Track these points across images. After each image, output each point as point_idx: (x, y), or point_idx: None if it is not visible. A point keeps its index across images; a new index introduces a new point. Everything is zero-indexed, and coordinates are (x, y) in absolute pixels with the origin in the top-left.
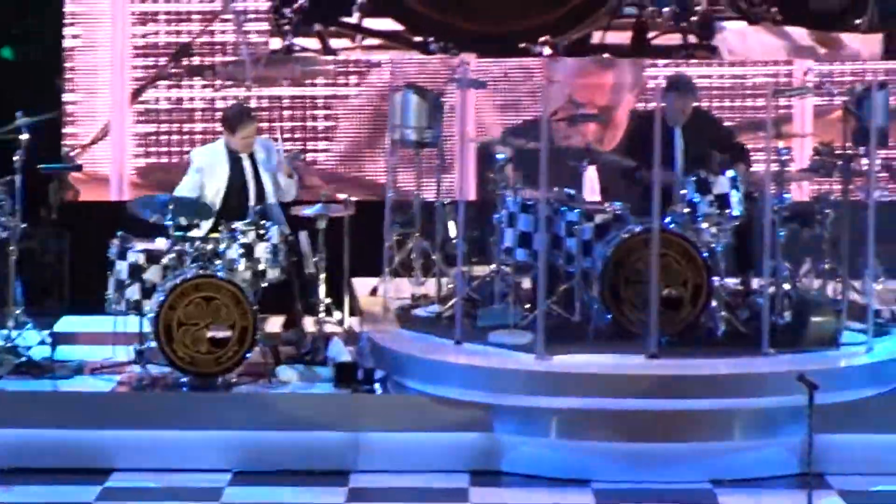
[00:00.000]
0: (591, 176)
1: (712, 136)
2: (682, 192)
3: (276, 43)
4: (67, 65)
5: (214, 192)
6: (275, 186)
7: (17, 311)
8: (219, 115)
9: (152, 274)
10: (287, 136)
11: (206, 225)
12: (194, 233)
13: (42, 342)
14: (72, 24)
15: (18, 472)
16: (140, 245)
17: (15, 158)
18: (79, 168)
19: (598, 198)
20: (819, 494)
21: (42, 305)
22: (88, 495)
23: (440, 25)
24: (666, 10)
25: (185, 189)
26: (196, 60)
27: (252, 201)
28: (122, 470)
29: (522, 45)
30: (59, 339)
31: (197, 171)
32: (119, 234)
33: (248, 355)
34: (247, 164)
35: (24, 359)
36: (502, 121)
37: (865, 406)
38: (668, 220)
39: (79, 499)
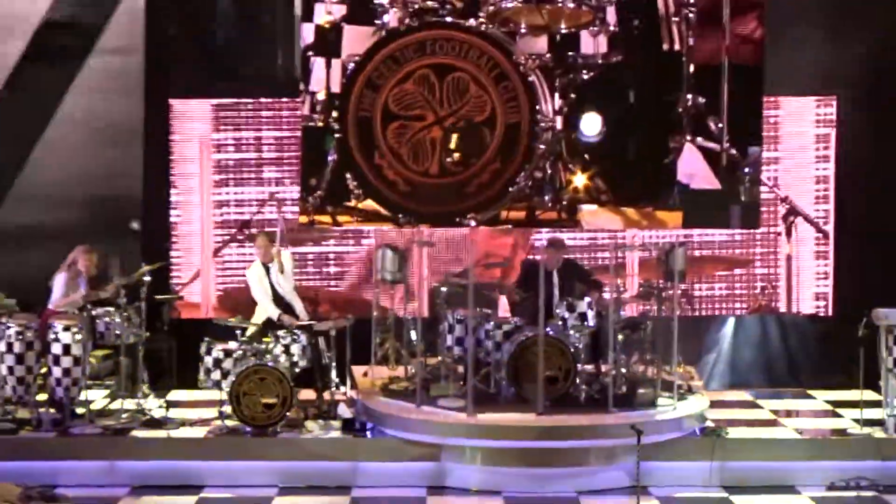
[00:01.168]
0: (501, 301)
1: (576, 275)
2: (558, 311)
3: (303, 218)
4: (173, 233)
5: (263, 293)
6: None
7: (144, 387)
8: None
9: (228, 364)
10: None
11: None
12: (250, 330)
13: (160, 407)
14: (174, 208)
15: (145, 489)
16: (219, 346)
17: (142, 291)
18: (180, 298)
19: (506, 314)
20: (644, 499)
21: (159, 383)
22: (190, 503)
23: (405, 207)
24: (546, 197)
25: (259, 294)
26: (253, 230)
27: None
28: (210, 486)
29: (457, 219)
30: (170, 405)
31: (256, 281)
32: (206, 339)
33: (287, 414)
34: (273, 273)
35: (148, 417)
36: (445, 267)
37: (673, 444)
38: (548, 329)
39: None
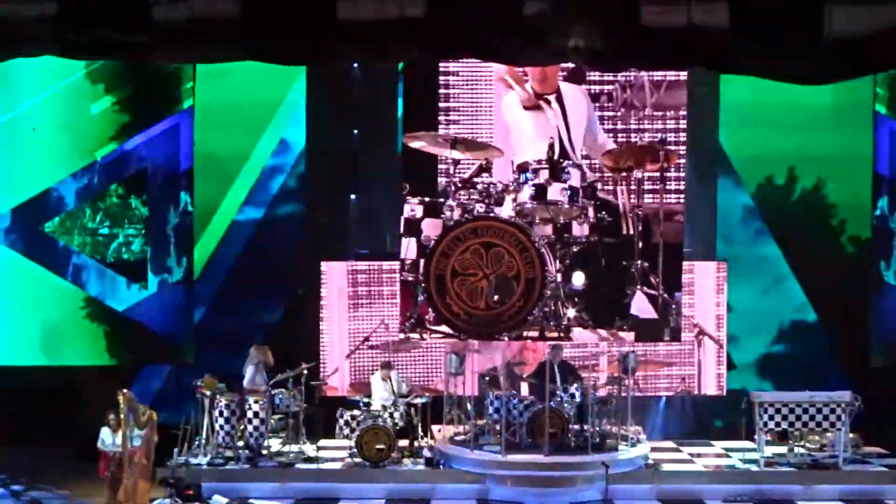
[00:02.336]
0: (524, 385)
1: (568, 370)
2: (558, 391)
3: (402, 336)
4: (322, 347)
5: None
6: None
7: (303, 437)
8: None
9: (354, 424)
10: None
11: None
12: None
13: (314, 449)
14: (320, 319)
15: (304, 500)
16: (349, 413)
17: (302, 379)
18: (326, 383)
19: (527, 394)
20: None
21: (313, 436)
22: None
23: (464, 329)
24: (551, 322)
25: (377, 392)
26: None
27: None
28: (344, 499)
29: (496, 336)
30: (319, 448)
31: (378, 385)
32: (341, 409)
33: (391, 454)
34: (391, 382)
35: (306, 456)
36: (488, 365)
37: (628, 474)
38: (552, 403)
39: None
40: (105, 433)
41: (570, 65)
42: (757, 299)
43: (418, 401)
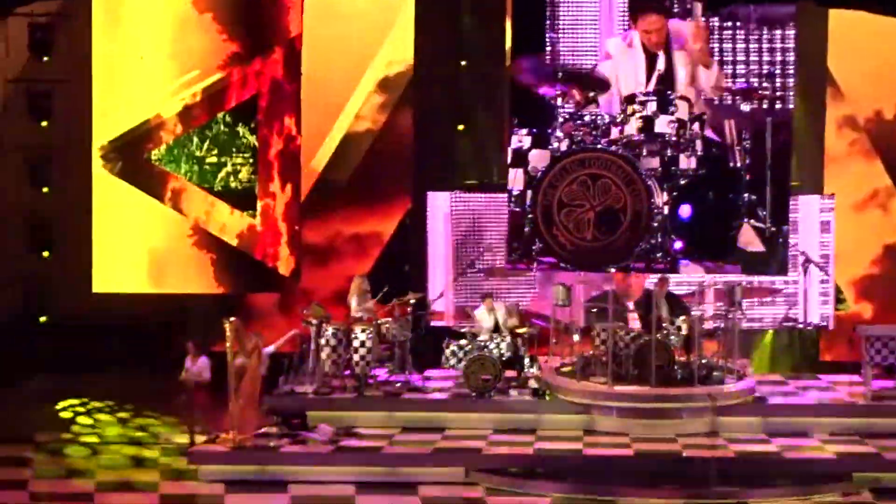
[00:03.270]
0: (632, 317)
1: (673, 302)
2: (664, 324)
3: (507, 266)
4: (428, 277)
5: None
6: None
7: (409, 367)
8: None
9: (463, 354)
10: None
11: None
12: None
13: (421, 379)
14: (426, 248)
15: (411, 430)
16: (455, 343)
17: (407, 311)
18: (431, 313)
19: (634, 325)
20: (716, 440)
21: (419, 365)
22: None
23: (570, 260)
24: (658, 255)
25: (484, 324)
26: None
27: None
28: (450, 429)
29: (602, 267)
30: (426, 378)
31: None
32: (447, 339)
33: (497, 385)
34: (498, 313)
35: (412, 386)
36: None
37: (734, 406)
38: (658, 335)
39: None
40: (189, 362)
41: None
42: (863, 230)
43: (524, 331)
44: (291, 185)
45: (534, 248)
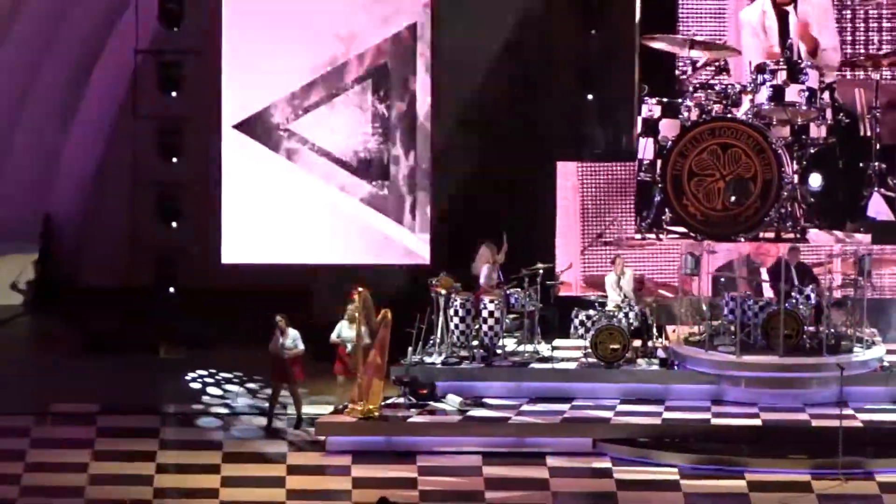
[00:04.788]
0: (764, 287)
1: (803, 270)
2: (793, 293)
3: (638, 236)
4: (557, 247)
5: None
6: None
7: (539, 337)
8: None
9: (589, 323)
10: None
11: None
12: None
13: (549, 349)
14: (555, 218)
15: (538, 400)
16: (583, 313)
17: (538, 278)
18: (560, 283)
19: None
20: (846, 409)
21: (547, 335)
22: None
23: (700, 230)
24: (788, 224)
25: (611, 292)
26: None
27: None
28: (578, 398)
29: (732, 237)
30: (554, 348)
31: (611, 285)
32: (576, 308)
33: (626, 355)
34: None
35: (541, 356)
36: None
37: (863, 376)
38: (787, 304)
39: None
40: (342, 326)
41: None
42: None
43: (651, 300)
44: (424, 157)
45: (663, 217)
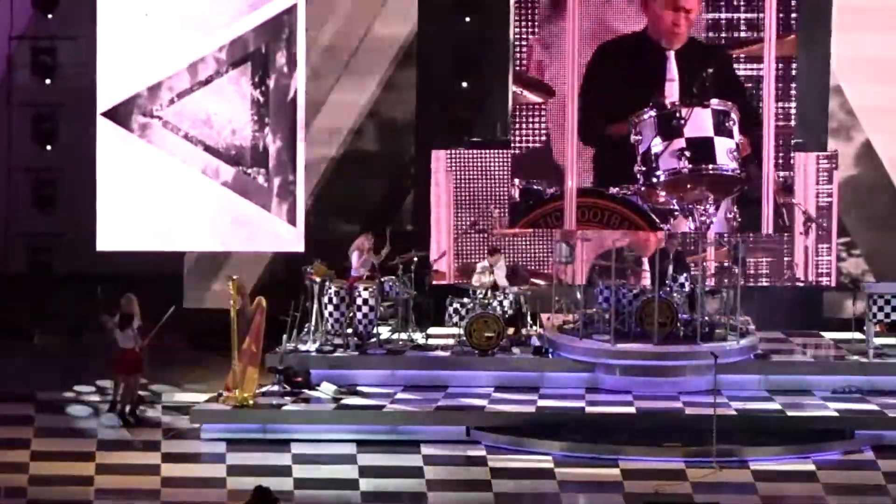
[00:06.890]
0: (643, 274)
1: (678, 259)
2: (668, 281)
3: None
4: (431, 235)
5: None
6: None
7: (412, 325)
8: None
9: (466, 312)
10: None
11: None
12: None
13: (422, 337)
14: (429, 206)
15: (412, 388)
16: (457, 301)
17: (412, 266)
18: (434, 271)
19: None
20: (720, 398)
21: (422, 323)
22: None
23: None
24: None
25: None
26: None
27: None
28: (452, 386)
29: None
30: (428, 336)
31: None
32: (450, 296)
33: (500, 343)
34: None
35: (415, 343)
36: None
37: (736, 364)
38: (660, 293)
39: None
40: (117, 335)
41: None
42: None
43: (525, 289)
44: (290, 150)
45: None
